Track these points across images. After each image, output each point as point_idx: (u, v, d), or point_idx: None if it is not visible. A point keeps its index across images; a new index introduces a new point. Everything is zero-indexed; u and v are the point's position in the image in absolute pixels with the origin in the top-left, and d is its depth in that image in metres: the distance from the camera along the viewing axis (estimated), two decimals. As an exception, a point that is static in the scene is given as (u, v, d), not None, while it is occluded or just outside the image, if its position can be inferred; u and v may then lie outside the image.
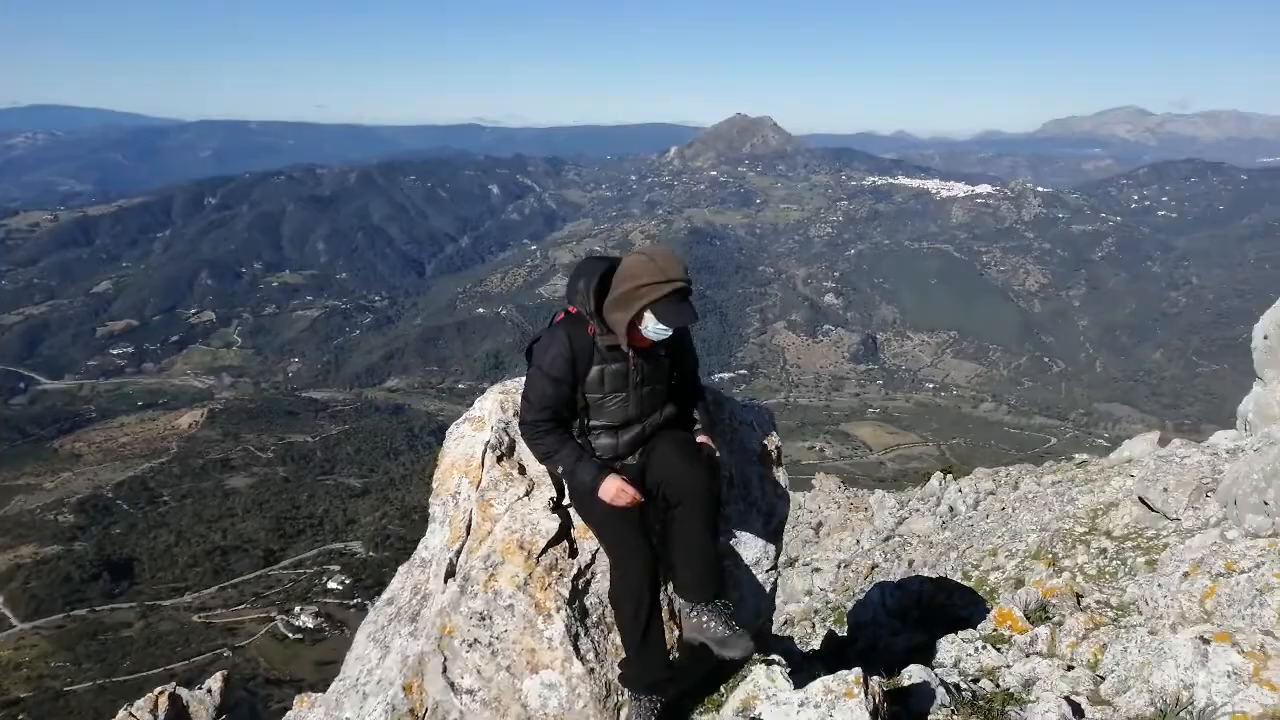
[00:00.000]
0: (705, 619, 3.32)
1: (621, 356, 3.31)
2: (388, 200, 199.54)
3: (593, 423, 3.40)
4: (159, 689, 8.39)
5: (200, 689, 9.11)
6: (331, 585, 60.97)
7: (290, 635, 54.22)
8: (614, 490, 3.24)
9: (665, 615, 3.44)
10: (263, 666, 50.19)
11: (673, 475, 3.35)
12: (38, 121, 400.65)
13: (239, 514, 74.96)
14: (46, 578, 60.06)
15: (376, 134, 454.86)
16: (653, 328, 3.20)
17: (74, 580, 60.47)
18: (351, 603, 57.51)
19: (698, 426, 3.56)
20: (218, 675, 9.30)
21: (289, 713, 4.59)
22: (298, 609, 56.75)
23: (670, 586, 3.50)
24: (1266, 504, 6.34)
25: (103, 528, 70.84)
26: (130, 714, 8.24)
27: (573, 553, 3.51)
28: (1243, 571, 3.37)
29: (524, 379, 3.55)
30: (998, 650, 3.81)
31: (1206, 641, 2.72)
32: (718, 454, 3.48)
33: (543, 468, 3.72)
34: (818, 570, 14.57)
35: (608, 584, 3.38)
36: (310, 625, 54.94)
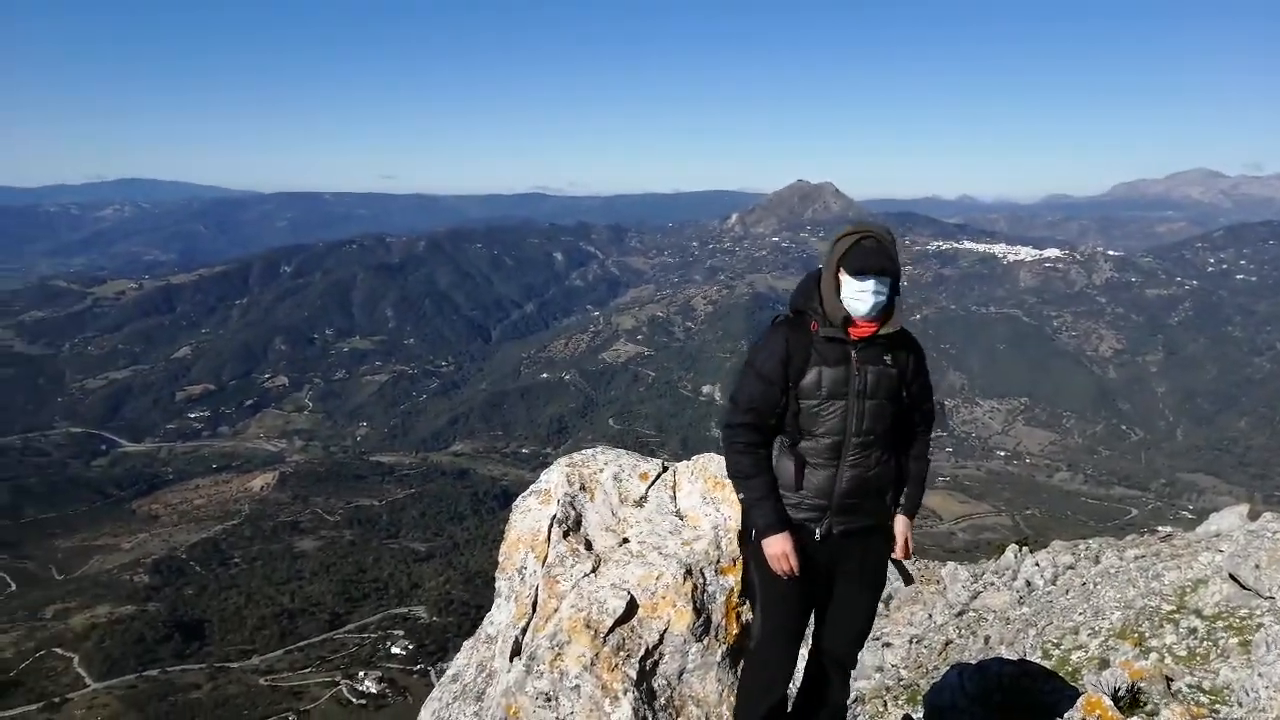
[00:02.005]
0: None
1: (844, 359, 3.06)
2: (454, 268, 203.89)
3: (804, 443, 3.12)
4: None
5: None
6: (395, 650, 60.90)
7: (354, 700, 54.07)
8: (777, 551, 3.06)
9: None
10: (326, 733, 50.20)
11: (844, 642, 3.32)
12: (125, 194, 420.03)
13: (306, 576, 75.64)
14: (121, 638, 60.98)
15: (444, 204, 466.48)
16: (849, 293, 2.98)
17: (147, 641, 61.33)
18: (414, 669, 57.37)
19: (899, 509, 3.31)
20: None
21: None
22: (362, 674, 56.68)
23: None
24: (1368, 584, 6.00)
25: (176, 589, 72.02)
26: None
27: (640, 633, 3.43)
28: (1352, 663, 3.15)
29: (595, 450, 3.50)
30: (1086, 742, 3.61)
31: (1318, 742, 2.54)
32: (909, 561, 3.31)
33: (610, 544, 3.67)
34: (888, 645, 14.08)
35: (675, 665, 3.29)
36: (374, 691, 54.79)
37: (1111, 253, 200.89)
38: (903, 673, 12.48)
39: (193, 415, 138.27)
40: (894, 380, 3.17)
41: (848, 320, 3.07)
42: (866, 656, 13.92)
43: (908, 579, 3.34)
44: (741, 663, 3.47)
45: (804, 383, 3.06)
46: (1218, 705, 4.71)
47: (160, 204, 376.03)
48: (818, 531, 3.17)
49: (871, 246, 2.95)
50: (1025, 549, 16.43)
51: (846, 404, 3.08)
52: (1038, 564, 14.28)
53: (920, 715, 5.88)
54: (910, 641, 13.92)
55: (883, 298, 3.02)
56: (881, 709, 9.84)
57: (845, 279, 2.98)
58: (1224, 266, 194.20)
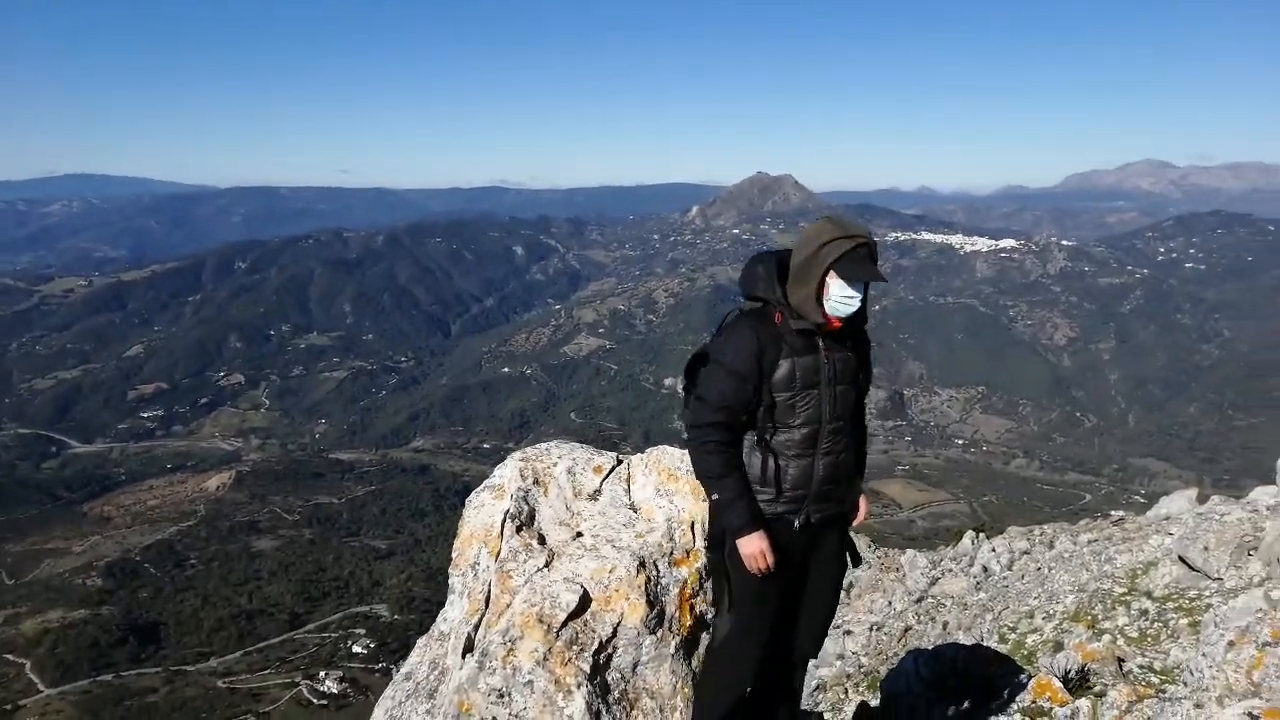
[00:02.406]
0: None
1: (813, 348, 3.04)
2: (413, 262, 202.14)
3: (779, 436, 3.09)
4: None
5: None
6: (357, 649, 60.36)
7: (315, 701, 53.54)
8: (755, 549, 3.02)
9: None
10: (287, 734, 49.68)
11: (814, 632, 3.32)
12: (74, 189, 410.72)
13: (265, 577, 74.71)
14: (74, 643, 59.79)
15: (403, 198, 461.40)
16: (837, 296, 2.96)
17: (101, 645, 60.20)
18: (377, 667, 56.91)
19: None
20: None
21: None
22: (323, 674, 56.14)
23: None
24: (1312, 564, 6.16)
25: (130, 591, 70.73)
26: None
27: (593, 626, 3.40)
28: (1292, 641, 3.23)
29: (549, 444, 3.46)
30: (1037, 725, 3.68)
31: (1255, 718, 2.60)
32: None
33: (563, 538, 3.63)
34: (849, 633, 14.22)
35: (628, 658, 3.27)
36: (335, 691, 54.28)
37: (1065, 243, 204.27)
38: (863, 660, 12.61)
39: (145, 415, 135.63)
40: (854, 364, 3.18)
41: (821, 321, 3.06)
42: (828, 644, 14.03)
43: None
44: (703, 656, 3.44)
45: (778, 376, 3.03)
46: (1167, 685, 4.80)
47: (110, 199, 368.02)
48: (796, 522, 3.15)
49: (866, 255, 2.96)
50: (982, 535, 16.68)
51: (819, 392, 3.07)
52: (994, 550, 14.49)
53: (878, 702, 5.93)
54: (871, 629, 14.06)
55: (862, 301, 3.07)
56: (842, 696, 9.94)
57: (836, 282, 2.96)
58: (1173, 255, 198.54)
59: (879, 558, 19.77)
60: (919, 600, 14.22)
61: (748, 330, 3.04)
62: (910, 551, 19.33)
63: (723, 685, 3.21)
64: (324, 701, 53.40)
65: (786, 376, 3.03)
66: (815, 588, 3.34)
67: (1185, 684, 3.94)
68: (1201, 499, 13.67)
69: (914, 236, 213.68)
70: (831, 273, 2.95)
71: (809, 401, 3.06)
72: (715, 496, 3.09)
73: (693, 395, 3.20)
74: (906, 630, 12.71)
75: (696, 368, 3.34)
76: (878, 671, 10.07)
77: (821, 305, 3.00)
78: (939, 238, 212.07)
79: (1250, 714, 2.63)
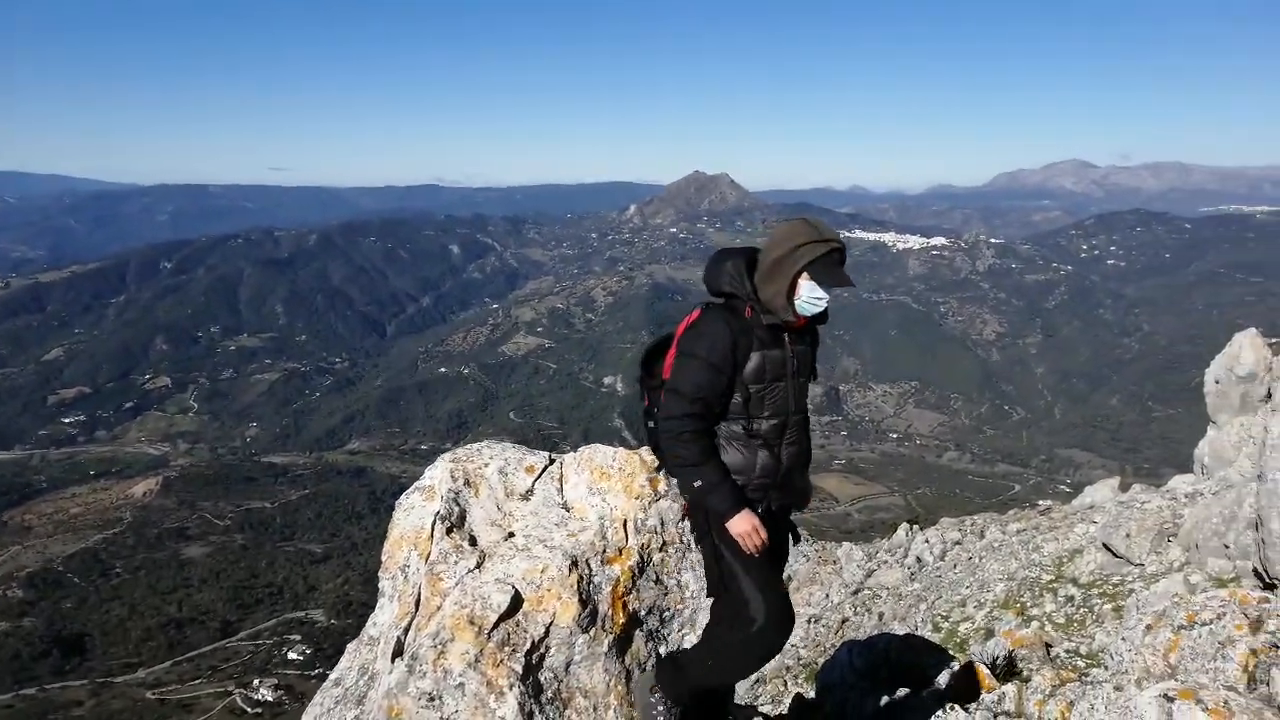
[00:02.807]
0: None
1: (779, 342, 3.13)
2: (347, 261, 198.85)
3: (751, 427, 3.15)
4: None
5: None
6: (292, 656, 59.38)
7: (249, 710, 52.53)
8: (748, 527, 3.05)
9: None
10: (220, 744, 48.65)
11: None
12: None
13: (195, 584, 73.09)
14: (-7, 656, 58.07)
15: (336, 196, 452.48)
16: (807, 296, 3.05)
17: (23, 658, 58.54)
18: (313, 674, 55.97)
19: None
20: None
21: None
22: (256, 682, 55.13)
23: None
24: (1227, 547, 6.41)
25: (53, 602, 68.69)
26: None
27: (525, 627, 3.36)
28: (1204, 624, 3.34)
29: (481, 445, 3.42)
30: (965, 711, 3.75)
31: (1170, 699, 2.68)
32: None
33: (495, 538, 3.58)
34: (787, 626, 14.35)
35: (561, 658, 3.24)
36: (270, 699, 53.28)
37: (993, 241, 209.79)
38: (802, 652, 12.74)
39: (67, 420, 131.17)
40: (810, 358, 3.29)
41: (791, 319, 3.15)
42: (767, 638, 14.12)
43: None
44: (723, 635, 3.37)
45: (749, 368, 3.11)
46: (1091, 668, 4.94)
47: (29, 198, 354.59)
48: (759, 509, 3.19)
49: (838, 260, 3.06)
50: (916, 527, 17.01)
51: (786, 385, 3.17)
52: (927, 541, 14.78)
53: (812, 693, 5.99)
54: (809, 621, 14.23)
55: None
56: (782, 688, 10.02)
57: (807, 283, 3.05)
58: (1096, 253, 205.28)
59: (817, 551, 20.01)
60: (856, 592, 14.43)
61: (721, 323, 3.10)
62: (847, 544, 19.62)
63: (738, 667, 3.24)
64: (258, 710, 52.43)
65: (757, 369, 3.11)
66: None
67: (1107, 667, 4.06)
68: (1124, 488, 14.14)
69: (848, 235, 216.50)
70: (804, 274, 3.04)
71: (776, 394, 3.16)
72: (698, 483, 3.11)
73: (664, 388, 3.23)
74: (844, 622, 12.88)
75: (653, 361, 3.43)
76: (816, 663, 10.18)
77: (791, 303, 3.08)
78: (872, 236, 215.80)
79: (1166, 695, 2.71)
